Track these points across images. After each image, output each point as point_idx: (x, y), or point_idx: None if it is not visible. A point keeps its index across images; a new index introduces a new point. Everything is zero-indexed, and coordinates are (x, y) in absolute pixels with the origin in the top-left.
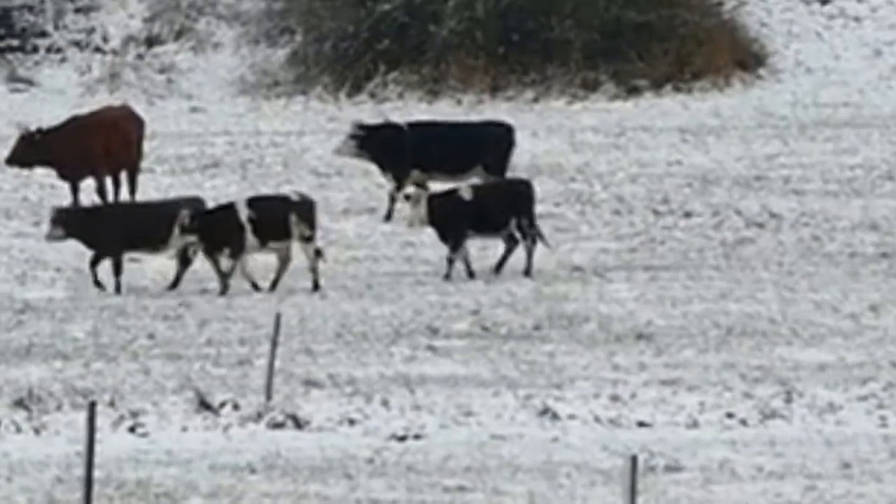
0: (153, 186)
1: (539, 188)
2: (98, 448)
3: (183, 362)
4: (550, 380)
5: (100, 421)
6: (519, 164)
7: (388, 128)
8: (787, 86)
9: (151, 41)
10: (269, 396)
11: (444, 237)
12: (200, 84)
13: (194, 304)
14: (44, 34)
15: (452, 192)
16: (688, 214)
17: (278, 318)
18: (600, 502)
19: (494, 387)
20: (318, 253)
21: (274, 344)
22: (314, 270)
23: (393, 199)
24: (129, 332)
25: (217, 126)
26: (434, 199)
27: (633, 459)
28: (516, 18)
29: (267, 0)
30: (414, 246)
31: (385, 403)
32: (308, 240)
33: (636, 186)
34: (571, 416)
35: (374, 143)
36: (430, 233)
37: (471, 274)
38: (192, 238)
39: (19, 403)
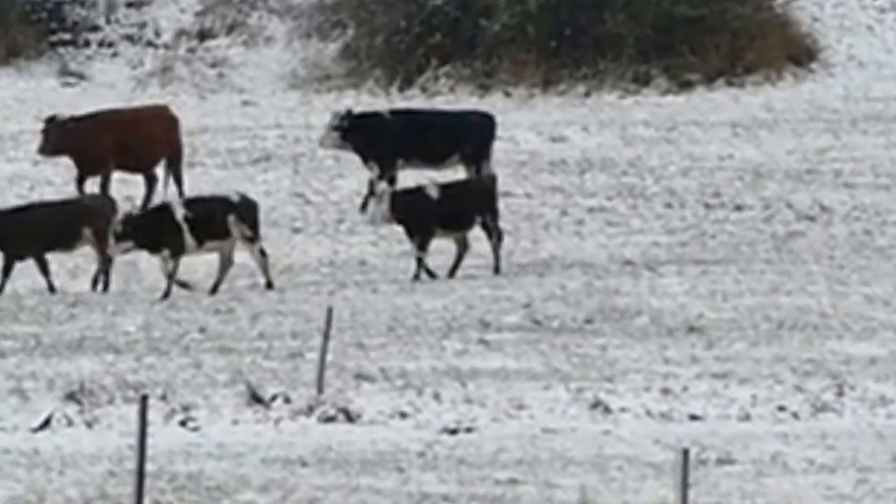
0: (205, 181)
1: (591, 182)
2: (150, 442)
3: (234, 356)
4: (602, 373)
5: (151, 415)
6: (570, 158)
7: (371, 117)
8: (839, 80)
9: (203, 35)
10: (320, 390)
11: (410, 235)
12: (252, 78)
13: (246, 297)
14: (95, 28)
15: (418, 190)
16: (739, 208)
17: (330, 311)
18: (652, 496)
19: (546, 380)
20: (263, 253)
21: (326, 337)
22: (265, 270)
23: (372, 190)
24: (180, 325)
25: (268, 120)
26: (398, 196)
27: (685, 453)
28: (568, 13)
29: None
30: None
31: (437, 397)
32: (251, 240)
33: (688, 180)
34: (623, 410)
35: (357, 132)
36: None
37: (431, 274)
38: (129, 244)
39: (71, 397)
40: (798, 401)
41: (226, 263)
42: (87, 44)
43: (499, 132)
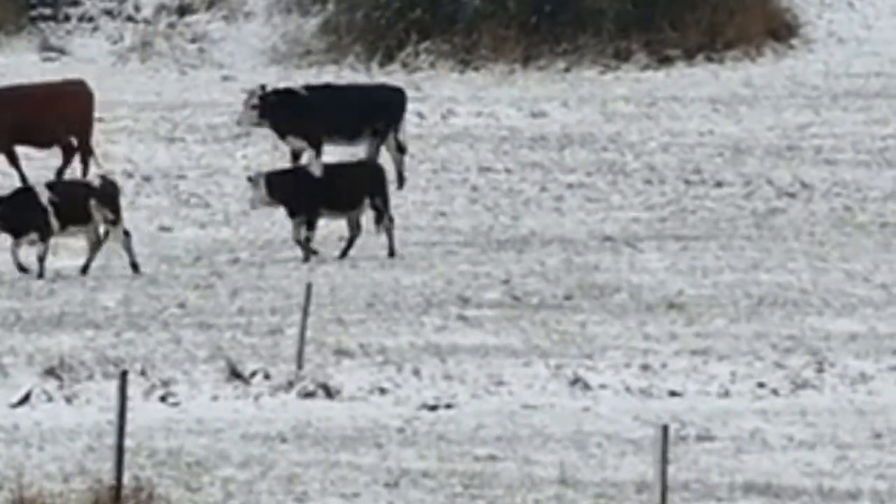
0: (185, 156)
1: (570, 158)
2: (129, 417)
3: (214, 331)
4: (581, 349)
5: (131, 390)
6: (550, 133)
7: (287, 93)
8: (820, 56)
9: (183, 10)
10: (300, 366)
11: (292, 214)
12: (232, 53)
13: (225, 273)
14: (76, 3)
15: (298, 170)
16: (719, 184)
17: (309, 287)
18: (631, 472)
19: (525, 356)
20: (127, 234)
21: (305, 313)
22: (129, 251)
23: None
24: (160, 301)
25: None
26: (275, 176)
27: (665, 429)
28: None
29: None
30: (445, 216)
31: (416, 373)
32: (113, 223)
33: (668, 156)
34: (602, 386)
35: (275, 109)
36: (460, 202)
37: (307, 258)
38: None
39: (51, 372)
40: (778, 377)
41: (94, 246)
42: (67, 18)
43: (478, 108)
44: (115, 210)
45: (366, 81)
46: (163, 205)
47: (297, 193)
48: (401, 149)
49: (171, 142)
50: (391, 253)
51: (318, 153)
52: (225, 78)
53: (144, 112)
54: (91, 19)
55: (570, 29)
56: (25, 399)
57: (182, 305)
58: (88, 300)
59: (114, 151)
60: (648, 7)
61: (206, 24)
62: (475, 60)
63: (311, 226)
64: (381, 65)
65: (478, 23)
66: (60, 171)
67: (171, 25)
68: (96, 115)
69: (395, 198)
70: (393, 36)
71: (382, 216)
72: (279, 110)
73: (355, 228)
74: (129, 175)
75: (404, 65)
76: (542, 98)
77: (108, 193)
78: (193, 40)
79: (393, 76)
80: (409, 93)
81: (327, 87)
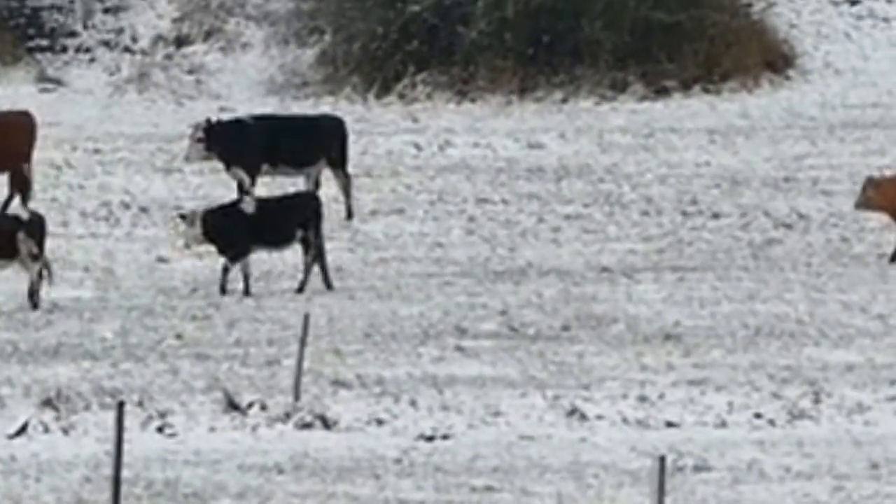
0: (182, 187)
1: (567, 189)
2: (126, 448)
3: (211, 363)
4: (578, 380)
5: (128, 421)
6: (547, 164)
7: (234, 124)
8: (816, 87)
9: (180, 41)
10: (297, 397)
11: (222, 251)
12: (229, 84)
13: (223, 304)
14: (73, 34)
15: (232, 206)
16: (716, 215)
17: (307, 318)
18: (628, 503)
19: (522, 387)
20: (41, 273)
21: (302, 344)
22: (37, 290)
23: (242, 190)
24: (157, 332)
25: None
26: (210, 214)
27: (662, 460)
28: (546, 20)
29: (296, 0)
30: (443, 247)
31: (413, 404)
32: (35, 258)
33: (664, 187)
34: (599, 417)
35: (222, 141)
36: (458, 233)
37: (247, 291)
38: None
39: (48, 403)
40: (775, 408)
41: (36, 277)
42: (64, 49)
43: (475, 139)
44: (40, 245)
45: (309, 112)
46: (160, 236)
47: (229, 231)
48: (348, 178)
49: (168, 173)
50: (300, 289)
51: (253, 184)
52: (222, 109)
53: (141, 143)
54: (88, 50)
55: (567, 60)
56: (22, 430)
57: (179, 336)
58: (85, 331)
59: (111, 182)
60: (645, 38)
61: (203, 55)
62: (472, 91)
63: (234, 260)
64: (378, 96)
65: (475, 54)
66: (5, 204)
67: (169, 57)
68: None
69: (391, 228)
70: (390, 67)
71: (310, 248)
72: (224, 141)
73: (315, 259)
74: (127, 206)
75: (401, 96)
76: (539, 129)
77: (36, 228)
78: (190, 71)
79: (390, 107)
80: (407, 124)
81: (272, 118)
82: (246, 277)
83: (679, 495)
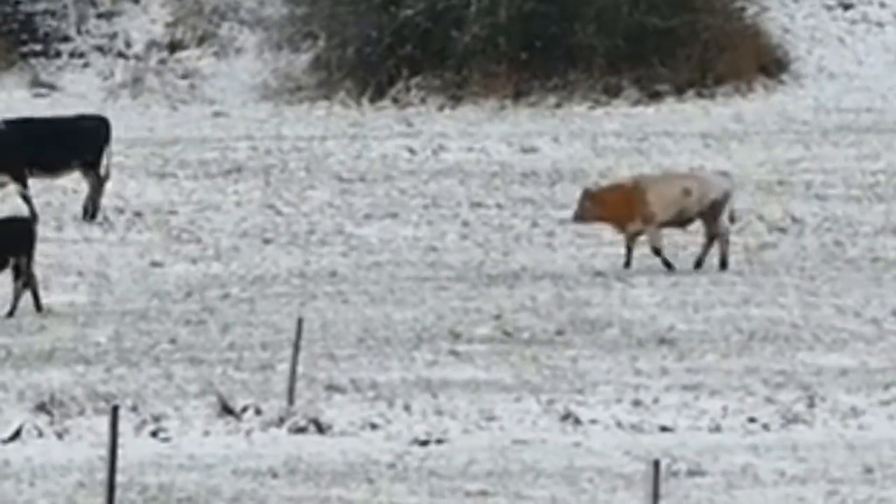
0: (176, 192)
1: (561, 193)
2: (120, 453)
3: (205, 367)
4: (573, 385)
5: (122, 426)
6: (541, 169)
7: None
8: (810, 91)
9: (174, 46)
10: (291, 401)
11: None
12: (223, 89)
13: (217, 308)
14: (66, 39)
15: None
16: None
17: (300, 322)
18: None
19: (516, 391)
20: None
21: (296, 348)
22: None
23: (27, 199)
24: (151, 336)
25: (239, 131)
26: None
27: (656, 464)
28: (539, 24)
29: (290, 5)
30: (437, 251)
31: (407, 408)
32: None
33: None
34: (593, 421)
35: None
36: (452, 238)
37: (11, 313)
38: None
39: (41, 408)
40: (769, 412)
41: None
42: (58, 54)
43: (469, 143)
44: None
45: (67, 114)
46: (154, 240)
47: None
48: (100, 179)
49: (162, 177)
50: (11, 313)
51: (24, 187)
52: (216, 114)
53: (135, 148)
54: (82, 55)
55: (561, 65)
56: (16, 435)
57: (173, 341)
58: (79, 336)
59: (105, 187)
60: (639, 43)
61: (197, 60)
62: (466, 96)
63: None
64: (372, 100)
65: (469, 59)
66: None
67: (162, 61)
68: None
69: (385, 232)
70: (384, 72)
71: (20, 275)
72: None
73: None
74: (121, 211)
75: (395, 100)
76: (533, 133)
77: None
78: (184, 76)
79: (384, 111)
80: (401, 128)
81: (27, 122)
82: None
83: (673, 500)
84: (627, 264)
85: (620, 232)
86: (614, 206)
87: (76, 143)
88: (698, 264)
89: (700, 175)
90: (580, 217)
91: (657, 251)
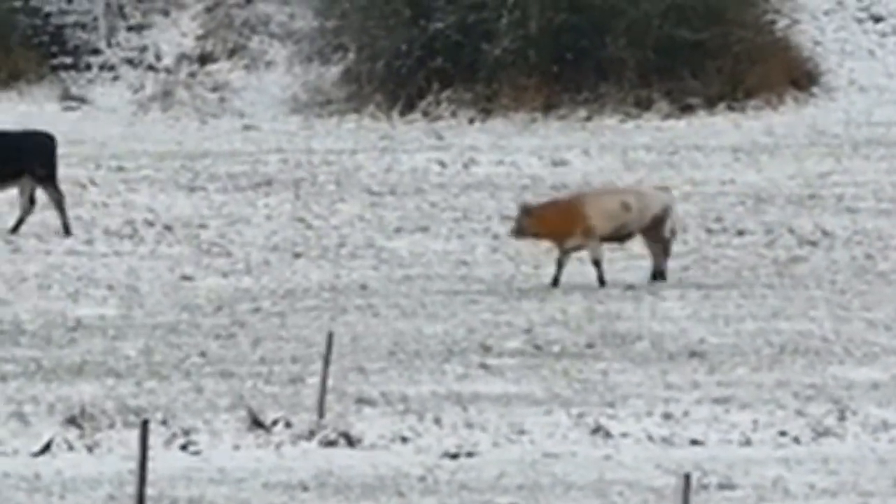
0: (206, 205)
1: None
2: (150, 466)
3: (235, 380)
4: (603, 398)
5: (152, 439)
6: (572, 182)
7: None
8: (841, 104)
9: (204, 59)
10: (321, 414)
11: None
12: (253, 102)
13: (247, 322)
14: (96, 52)
15: None
16: (741, 233)
17: (331, 336)
18: None
19: (547, 405)
20: None
21: (326, 362)
22: None
23: None
24: (181, 350)
25: (270, 144)
26: None
27: (686, 478)
28: (570, 37)
29: (320, 18)
30: (467, 264)
31: (437, 421)
32: None
33: (689, 205)
34: (624, 435)
35: None
36: (482, 251)
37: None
38: None
39: (72, 421)
40: (799, 425)
41: None
42: (88, 67)
43: (500, 156)
44: None
45: (15, 129)
46: (184, 254)
47: None
48: (60, 195)
49: (192, 191)
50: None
51: None
52: (246, 127)
53: (165, 161)
54: (112, 68)
55: (592, 77)
56: (46, 448)
57: (203, 354)
58: (109, 349)
59: (135, 200)
60: (669, 56)
61: (227, 73)
62: (496, 109)
63: None
64: (402, 113)
65: (499, 71)
66: None
67: (192, 74)
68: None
69: (416, 246)
70: (414, 85)
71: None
72: None
73: None
74: (151, 224)
75: (425, 113)
76: (564, 146)
77: None
78: (214, 89)
79: (414, 125)
80: (431, 141)
81: None
82: None
83: None
84: (556, 283)
85: (558, 247)
86: (552, 221)
87: (23, 158)
88: (657, 276)
89: (640, 189)
90: (519, 232)
91: (597, 263)
